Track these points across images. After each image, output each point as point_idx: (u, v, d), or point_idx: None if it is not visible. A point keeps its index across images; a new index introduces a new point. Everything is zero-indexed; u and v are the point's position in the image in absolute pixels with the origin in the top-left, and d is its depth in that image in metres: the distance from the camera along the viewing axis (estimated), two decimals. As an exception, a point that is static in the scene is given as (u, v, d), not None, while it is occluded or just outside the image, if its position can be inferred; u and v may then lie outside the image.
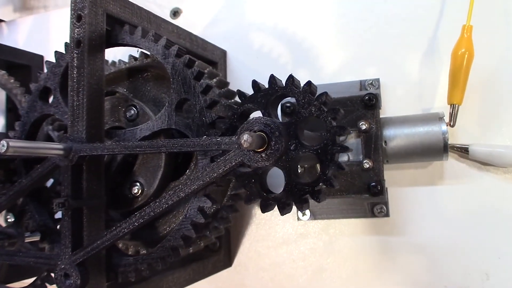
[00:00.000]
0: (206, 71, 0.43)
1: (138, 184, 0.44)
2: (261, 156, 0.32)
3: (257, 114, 0.36)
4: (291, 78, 0.36)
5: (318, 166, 0.36)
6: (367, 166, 0.50)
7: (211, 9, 0.67)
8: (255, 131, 0.32)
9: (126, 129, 0.43)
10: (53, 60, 0.46)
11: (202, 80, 0.41)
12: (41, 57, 0.76)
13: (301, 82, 0.36)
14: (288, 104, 0.54)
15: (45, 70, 0.47)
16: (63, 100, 0.45)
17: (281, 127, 0.32)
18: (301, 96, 0.35)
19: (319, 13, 0.62)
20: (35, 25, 0.81)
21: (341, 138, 0.40)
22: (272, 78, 0.36)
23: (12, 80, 0.61)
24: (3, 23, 0.84)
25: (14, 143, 0.34)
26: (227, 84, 0.50)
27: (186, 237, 0.39)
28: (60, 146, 0.38)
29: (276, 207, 0.36)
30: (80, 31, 0.42)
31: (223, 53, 0.64)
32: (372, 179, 0.50)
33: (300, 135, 0.35)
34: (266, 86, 0.37)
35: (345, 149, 0.34)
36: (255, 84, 0.37)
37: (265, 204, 0.36)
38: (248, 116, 0.39)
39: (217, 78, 0.48)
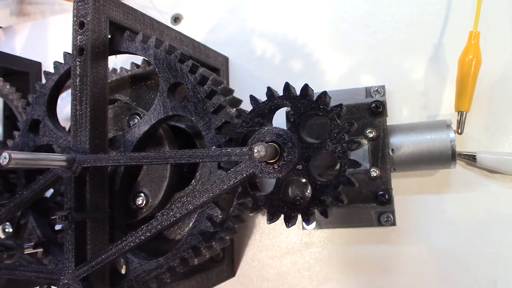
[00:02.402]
0: (210, 78, 0.42)
1: (142, 195, 0.43)
2: (273, 168, 0.31)
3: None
4: (339, 107, 0.34)
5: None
6: (375, 174, 0.50)
7: (212, 15, 0.66)
8: (267, 142, 0.31)
9: (125, 131, 0.42)
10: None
11: (187, 62, 0.40)
12: (39, 63, 0.75)
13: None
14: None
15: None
16: (54, 126, 0.45)
17: (294, 138, 0.31)
18: (337, 130, 0.34)
19: (322, 19, 0.61)
20: (33, 32, 0.79)
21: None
22: (324, 95, 0.35)
23: (8, 86, 0.60)
24: (0, 30, 0.83)
25: (16, 155, 0.32)
26: (231, 91, 0.49)
27: (211, 218, 0.38)
28: (63, 157, 0.37)
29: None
30: (82, 38, 0.41)
31: (225, 59, 0.63)
32: (379, 188, 0.50)
33: (312, 162, 0.34)
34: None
35: (340, 201, 0.34)
36: (306, 88, 0.35)
37: (243, 195, 0.37)
38: (276, 111, 0.38)
39: (222, 85, 0.47)
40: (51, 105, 0.46)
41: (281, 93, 0.37)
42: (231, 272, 0.60)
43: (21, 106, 0.59)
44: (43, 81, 0.47)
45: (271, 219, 0.35)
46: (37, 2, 0.91)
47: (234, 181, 0.33)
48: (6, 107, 0.74)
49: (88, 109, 0.39)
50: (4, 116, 0.74)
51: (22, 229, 0.55)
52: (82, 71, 0.40)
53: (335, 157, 0.33)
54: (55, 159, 0.36)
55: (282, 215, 0.35)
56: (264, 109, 0.37)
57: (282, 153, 0.31)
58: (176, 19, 0.67)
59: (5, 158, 0.32)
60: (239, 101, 0.49)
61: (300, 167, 0.34)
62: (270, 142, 0.31)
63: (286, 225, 0.35)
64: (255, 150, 0.29)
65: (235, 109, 0.47)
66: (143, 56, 0.42)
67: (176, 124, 0.46)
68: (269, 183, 0.41)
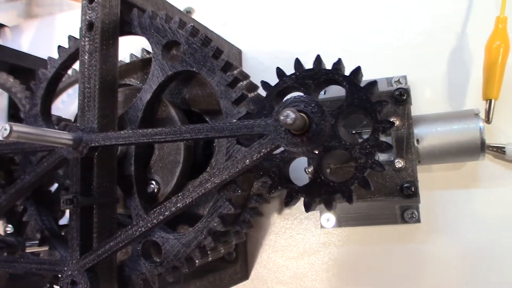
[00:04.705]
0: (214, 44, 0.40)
1: (154, 182, 0.40)
2: (302, 140, 0.28)
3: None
4: (390, 124, 0.32)
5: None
6: (399, 165, 0.46)
7: (224, 8, 0.65)
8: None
9: (129, 106, 0.39)
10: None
11: (174, 19, 0.39)
12: (45, 61, 0.73)
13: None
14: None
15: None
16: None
17: (323, 107, 0.28)
18: (372, 144, 0.31)
19: (342, 9, 0.59)
20: (40, 29, 0.78)
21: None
22: (384, 105, 0.33)
23: (11, 79, 0.58)
24: (7, 28, 0.81)
25: (18, 127, 0.30)
26: (248, 76, 0.46)
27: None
28: (69, 135, 0.34)
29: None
30: (92, 14, 0.38)
31: (239, 52, 0.61)
32: (405, 180, 0.47)
33: (330, 154, 0.33)
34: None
35: (329, 207, 0.33)
36: (373, 84, 0.33)
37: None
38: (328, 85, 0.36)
39: (237, 70, 0.45)
40: (45, 112, 0.44)
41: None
42: (245, 274, 0.57)
43: (24, 98, 0.56)
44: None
45: (259, 177, 0.35)
46: (46, 3, 0.89)
47: (257, 156, 0.29)
48: (10, 105, 0.72)
49: (97, 87, 0.37)
50: (9, 115, 0.72)
51: (24, 226, 0.52)
52: (91, 47, 0.38)
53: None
54: (61, 137, 0.33)
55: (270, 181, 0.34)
56: (322, 76, 0.34)
57: (311, 123, 0.28)
58: (188, 12, 0.66)
59: (5, 130, 0.29)
60: (255, 87, 0.46)
61: (317, 152, 0.32)
62: (298, 111, 0.28)
63: (268, 192, 0.34)
64: (283, 115, 0.26)
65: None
66: (132, 32, 0.40)
67: (191, 108, 0.43)
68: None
